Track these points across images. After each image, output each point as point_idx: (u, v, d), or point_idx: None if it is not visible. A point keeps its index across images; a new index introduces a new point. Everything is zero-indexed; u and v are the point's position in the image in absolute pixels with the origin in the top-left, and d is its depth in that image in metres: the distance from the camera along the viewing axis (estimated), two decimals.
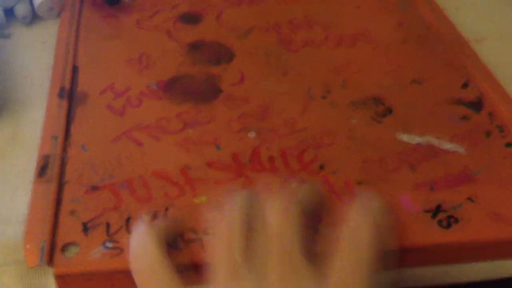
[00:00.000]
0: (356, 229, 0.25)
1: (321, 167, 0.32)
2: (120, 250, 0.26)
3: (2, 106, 0.33)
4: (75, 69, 0.37)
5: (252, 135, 0.33)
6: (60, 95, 0.34)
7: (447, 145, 0.34)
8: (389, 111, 0.36)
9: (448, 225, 0.29)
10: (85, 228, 0.27)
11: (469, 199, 0.30)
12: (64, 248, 0.26)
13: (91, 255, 0.26)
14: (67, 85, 0.35)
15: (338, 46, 0.41)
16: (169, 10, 0.44)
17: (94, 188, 0.29)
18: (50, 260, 0.26)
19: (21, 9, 0.41)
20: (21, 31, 0.40)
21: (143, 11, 0.43)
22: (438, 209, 0.30)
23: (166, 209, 0.28)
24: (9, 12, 0.41)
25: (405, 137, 0.34)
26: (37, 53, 0.38)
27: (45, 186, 0.29)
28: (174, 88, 0.37)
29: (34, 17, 0.41)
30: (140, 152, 0.32)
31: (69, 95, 0.34)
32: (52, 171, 0.29)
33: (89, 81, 0.36)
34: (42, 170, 0.29)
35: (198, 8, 0.44)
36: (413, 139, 0.34)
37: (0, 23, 0.40)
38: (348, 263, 0.24)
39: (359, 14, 0.45)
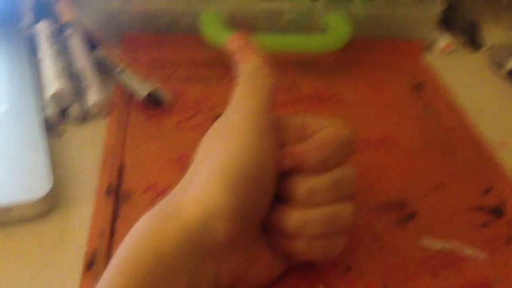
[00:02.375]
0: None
1: (346, 271, 0.33)
2: None
3: (54, 202, 0.36)
4: (121, 168, 0.40)
5: None
6: (107, 193, 0.37)
7: (468, 251, 0.35)
8: (412, 215, 0.38)
9: None
10: None
11: None
12: None
13: None
14: (114, 184, 0.38)
15: (363, 150, 0.44)
16: (206, 111, 0.47)
17: None
18: None
19: (75, 110, 0.45)
20: (72, 130, 0.44)
21: (183, 113, 0.47)
22: None
23: None
24: (63, 112, 0.45)
25: (427, 242, 0.36)
26: (86, 151, 0.42)
27: (93, 281, 0.31)
28: None
29: (85, 117, 0.45)
30: None
31: (115, 194, 0.38)
32: (99, 266, 0.32)
33: (133, 180, 0.39)
34: (89, 265, 0.32)
35: None
36: (436, 244, 0.36)
37: (55, 122, 0.44)
38: None
39: (383, 120, 0.48)
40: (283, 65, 0.56)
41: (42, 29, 0.52)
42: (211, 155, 0.29)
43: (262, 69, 0.31)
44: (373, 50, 0.58)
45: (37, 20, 0.54)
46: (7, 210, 0.34)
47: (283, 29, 0.57)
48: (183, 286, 0.26)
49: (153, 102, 0.47)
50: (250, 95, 0.30)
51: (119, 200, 0.37)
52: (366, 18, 0.58)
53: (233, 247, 0.28)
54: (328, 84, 0.53)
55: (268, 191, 0.29)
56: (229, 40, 0.32)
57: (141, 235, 0.26)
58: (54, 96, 0.44)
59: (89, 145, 0.43)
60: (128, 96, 0.48)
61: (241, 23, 0.57)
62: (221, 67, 0.54)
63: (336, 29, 0.54)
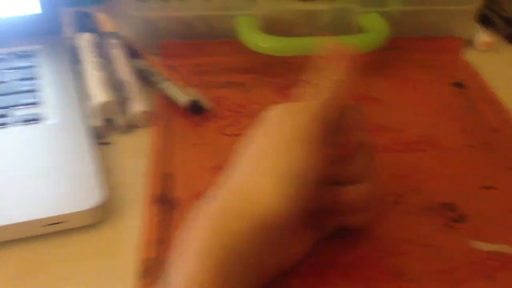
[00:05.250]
0: None
1: (398, 276, 0.33)
2: None
3: (106, 211, 0.37)
4: (169, 176, 0.41)
5: None
6: (157, 201, 0.38)
7: None
8: (461, 218, 0.38)
9: None
10: None
11: None
12: None
13: None
14: (163, 192, 0.39)
15: (405, 151, 0.44)
16: (248, 115, 0.48)
17: None
18: None
19: (120, 120, 0.46)
20: (118, 139, 0.45)
21: (223, 119, 0.48)
22: None
23: None
24: (109, 122, 0.46)
25: (479, 245, 0.36)
26: (132, 160, 0.43)
27: None
28: None
29: (130, 126, 0.46)
30: None
31: (165, 201, 0.38)
32: (153, 274, 0.33)
33: (181, 187, 0.40)
34: (144, 273, 0.33)
35: None
36: (487, 246, 0.36)
37: (102, 132, 0.45)
38: None
39: (424, 120, 0.48)
40: None
41: (84, 40, 0.54)
42: (273, 154, 0.30)
43: (343, 74, 0.33)
44: (411, 49, 0.57)
45: (78, 31, 0.55)
46: (61, 219, 0.35)
47: (320, 31, 0.57)
48: (254, 270, 0.28)
49: (195, 110, 0.48)
50: (317, 98, 0.32)
51: (169, 207, 0.38)
52: (402, 15, 0.57)
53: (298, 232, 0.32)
54: (366, 85, 0.53)
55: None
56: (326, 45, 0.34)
57: (213, 233, 0.27)
58: (101, 106, 0.45)
59: (134, 154, 0.43)
60: (170, 105, 0.49)
61: (277, 27, 0.57)
62: (258, 72, 0.54)
63: (373, 29, 0.54)
